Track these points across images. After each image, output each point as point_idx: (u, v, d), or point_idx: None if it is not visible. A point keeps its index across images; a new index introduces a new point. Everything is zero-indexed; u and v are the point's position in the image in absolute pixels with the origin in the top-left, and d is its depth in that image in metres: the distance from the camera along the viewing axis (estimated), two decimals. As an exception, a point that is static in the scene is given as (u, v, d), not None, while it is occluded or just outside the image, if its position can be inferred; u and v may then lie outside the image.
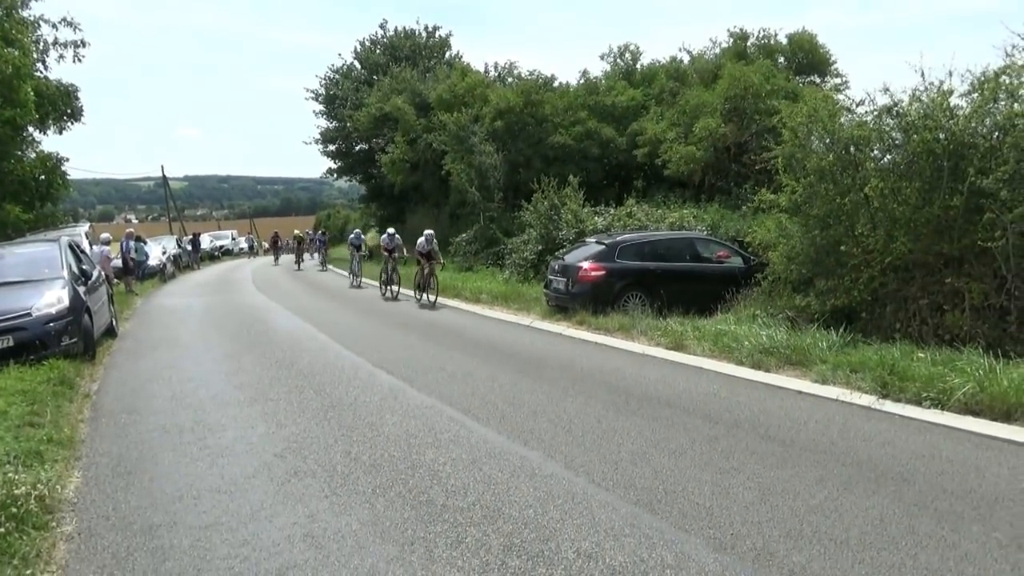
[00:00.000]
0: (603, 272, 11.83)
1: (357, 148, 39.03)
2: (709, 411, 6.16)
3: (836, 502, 4.10)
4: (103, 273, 12.67)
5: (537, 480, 4.60)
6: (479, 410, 6.38)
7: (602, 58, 29.88)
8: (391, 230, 19.87)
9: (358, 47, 40.07)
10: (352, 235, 24.32)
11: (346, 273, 23.36)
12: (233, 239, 50.71)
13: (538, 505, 4.19)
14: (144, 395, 7.46)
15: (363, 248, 23.58)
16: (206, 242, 42.61)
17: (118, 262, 19.95)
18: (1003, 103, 9.21)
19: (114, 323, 12.15)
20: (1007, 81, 9.11)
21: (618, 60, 29.15)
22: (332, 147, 39.89)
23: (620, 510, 4.08)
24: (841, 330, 8.59)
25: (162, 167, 49.75)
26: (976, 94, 9.45)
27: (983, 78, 9.35)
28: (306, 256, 35.30)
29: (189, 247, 34.57)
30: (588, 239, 13.89)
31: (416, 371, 8.16)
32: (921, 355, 7.03)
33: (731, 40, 26.40)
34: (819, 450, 5.05)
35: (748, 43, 26.19)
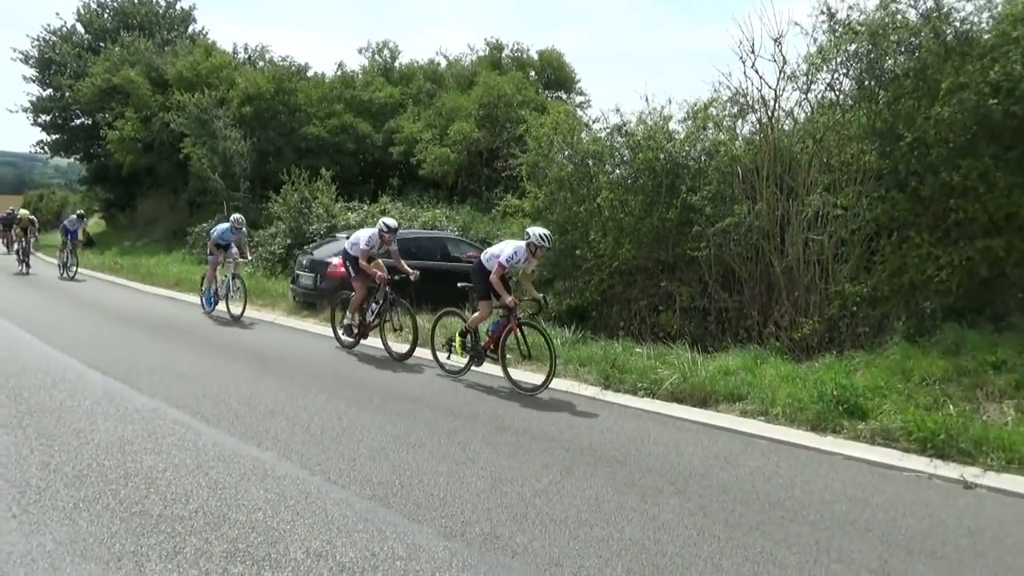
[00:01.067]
0: (353, 268, 11.61)
1: (78, 122, 34.39)
2: (449, 405, 6.31)
3: (559, 485, 4.41)
4: None
5: (269, 481, 4.37)
6: (210, 411, 5.93)
7: (360, 52, 29.73)
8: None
9: (81, 8, 35.33)
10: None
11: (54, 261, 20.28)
12: None
13: (268, 507, 3.98)
14: None
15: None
16: None
17: None
18: (711, 131, 10.59)
19: None
20: (713, 112, 10.49)
21: (376, 56, 28.98)
22: (46, 118, 34.70)
23: (355, 506, 4.02)
24: (574, 328, 9.28)
25: None
26: (689, 121, 10.78)
27: (695, 108, 10.69)
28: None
29: None
30: (339, 234, 13.59)
31: (139, 371, 7.37)
32: (639, 350, 7.83)
33: (487, 49, 27.47)
34: (548, 438, 5.40)
35: (503, 54, 27.42)
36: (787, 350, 8.36)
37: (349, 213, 17.46)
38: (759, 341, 8.77)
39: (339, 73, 27.80)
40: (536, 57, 27.63)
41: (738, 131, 10.56)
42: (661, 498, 4.25)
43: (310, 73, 27.33)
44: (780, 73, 9.64)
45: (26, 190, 70.12)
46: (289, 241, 16.98)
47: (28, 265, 19.93)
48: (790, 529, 3.88)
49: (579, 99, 28.19)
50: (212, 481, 4.36)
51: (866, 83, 8.89)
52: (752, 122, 10.33)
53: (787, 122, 10.15)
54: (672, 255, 10.17)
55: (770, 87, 9.71)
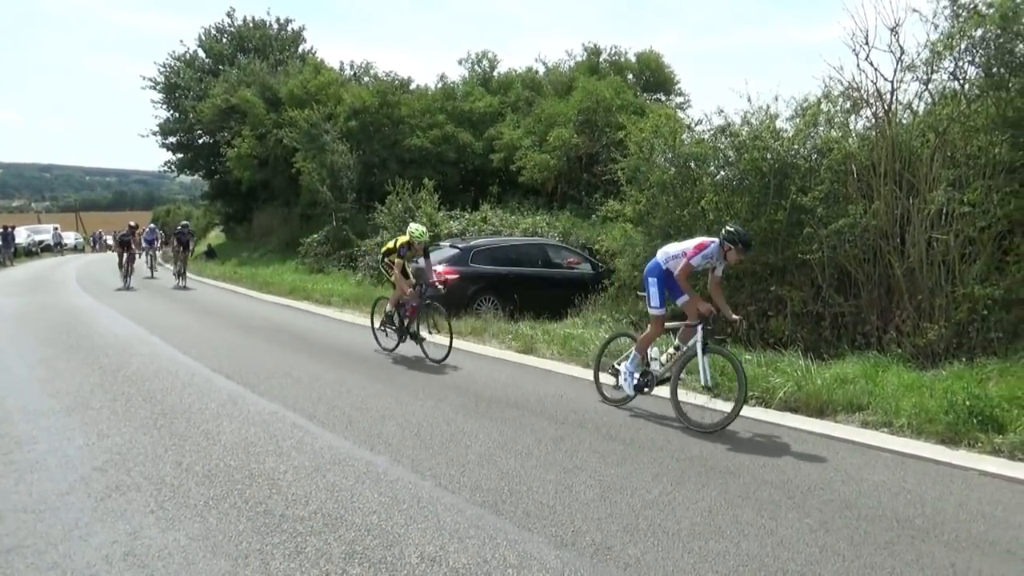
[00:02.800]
0: (457, 276, 11.82)
1: (200, 141, 36.81)
2: (556, 412, 6.30)
3: (670, 496, 4.31)
4: None
5: (382, 485, 4.50)
6: (325, 415, 6.17)
7: (460, 63, 30.13)
8: None
9: (202, 35, 37.87)
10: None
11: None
12: (56, 233, 45.91)
13: (383, 511, 4.09)
14: (-63, 405, 6.60)
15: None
16: (22, 236, 38.44)
17: None
18: (822, 128, 10.15)
19: (-97, 325, 10.68)
20: (824, 108, 10.05)
21: (476, 67, 29.46)
22: (172, 139, 37.33)
23: (466, 512, 4.08)
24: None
25: (-30, 152, 44.31)
26: (799, 119, 10.36)
27: (804, 105, 10.27)
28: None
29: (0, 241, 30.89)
30: (442, 243, 13.88)
31: (259, 376, 7.77)
32: (749, 357, 7.57)
33: (585, 54, 27.43)
34: (656, 447, 5.30)
35: (601, 58, 27.31)
36: (910, 357, 7.88)
37: (451, 221, 17.83)
38: (879, 348, 8.30)
39: (440, 85, 28.45)
40: (634, 60, 27.37)
41: (851, 127, 10.08)
42: (779, 512, 4.08)
43: (412, 86, 28.12)
44: (897, 64, 9.13)
45: (155, 206, 75.68)
46: (395, 250, 17.46)
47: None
48: (922, 549, 3.64)
49: (679, 100, 27.73)
50: (329, 484, 4.52)
51: (995, 70, 8.28)
52: (867, 117, 9.83)
53: (905, 115, 9.60)
54: (782, 258, 9.80)
55: (886, 79, 9.21)
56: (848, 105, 9.96)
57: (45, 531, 3.88)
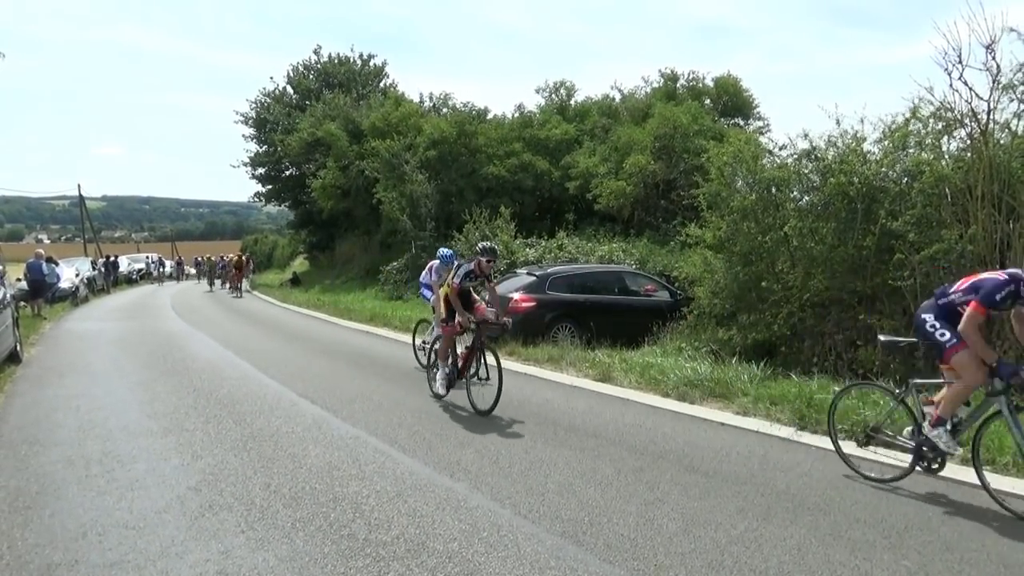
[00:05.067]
0: (534, 303, 11.89)
1: (287, 173, 38.42)
2: (635, 442, 6.21)
3: (756, 532, 4.18)
4: (7, 294, 11.94)
5: (462, 512, 4.53)
6: (405, 441, 6.27)
7: (537, 92, 30.48)
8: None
9: (290, 72, 39.67)
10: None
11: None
12: (151, 262, 48.53)
13: (463, 538, 4.12)
14: (48, 425, 7.04)
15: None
16: (124, 265, 40.81)
17: (24, 284, 18.91)
18: (912, 150, 9.78)
19: (18, 348, 11.47)
20: (916, 129, 9.69)
21: (553, 95, 29.76)
22: (261, 171, 39.12)
23: (546, 542, 4.06)
24: (762, 363, 8.85)
25: (78, 185, 47.23)
26: (887, 141, 10.02)
27: (893, 126, 9.93)
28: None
29: (103, 269, 32.98)
30: (519, 270, 13.97)
31: (342, 400, 7.97)
32: (836, 388, 7.28)
33: (662, 80, 27.33)
34: (740, 481, 5.15)
35: (678, 84, 27.15)
36: (1015, 390, 7.42)
37: (528, 249, 17.94)
38: (979, 380, 7.86)
39: (517, 114, 28.84)
40: (712, 84, 27.08)
41: (944, 149, 9.67)
42: (873, 553, 3.89)
43: (490, 116, 28.61)
44: (993, 83, 8.73)
45: (244, 235, 79.16)
46: (472, 278, 17.69)
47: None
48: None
49: (758, 124, 27.24)
50: (411, 509, 4.58)
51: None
52: (961, 138, 9.41)
53: (1003, 136, 9.15)
54: (870, 286, 9.43)
55: (981, 98, 8.81)
56: (940, 126, 9.57)
57: (144, 547, 4.07)
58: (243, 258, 33.00)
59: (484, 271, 7.67)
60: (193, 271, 48.02)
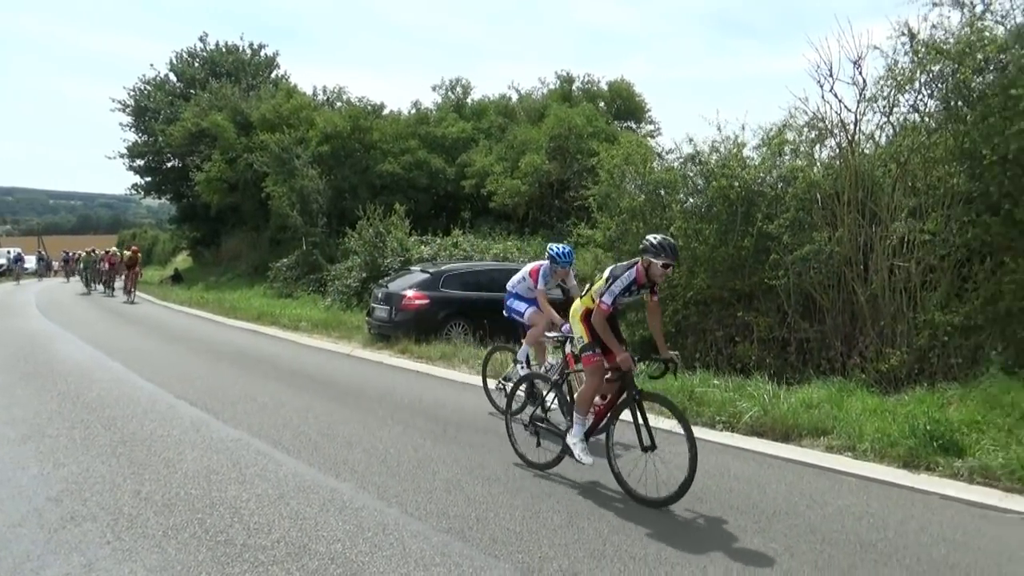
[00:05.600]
0: (427, 300, 11.81)
1: (169, 165, 36.50)
2: (524, 438, 6.25)
3: (636, 521, 4.30)
4: None
5: (347, 513, 4.43)
6: (290, 442, 6.07)
7: (434, 89, 30.35)
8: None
9: (174, 59, 37.68)
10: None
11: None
12: (9, 258, 44.26)
13: (347, 539, 4.02)
14: None
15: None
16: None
17: None
18: (787, 157, 10.37)
19: None
20: (790, 137, 10.28)
21: (450, 93, 29.68)
22: (140, 162, 36.96)
23: (432, 539, 4.02)
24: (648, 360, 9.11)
25: (-71, 173, 42.94)
26: (764, 148, 10.59)
27: (770, 134, 10.50)
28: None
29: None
30: (413, 267, 13.84)
31: (223, 402, 7.63)
32: (716, 382, 7.63)
33: (558, 82, 27.80)
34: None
35: (573, 86, 27.68)
36: (873, 382, 8.00)
37: (422, 246, 17.82)
38: (843, 373, 8.43)
39: (414, 110, 28.58)
40: (606, 88, 27.78)
41: (816, 156, 10.32)
42: (745, 537, 4.09)
43: (385, 112, 28.21)
44: (860, 96, 9.40)
45: (120, 229, 74.56)
46: (364, 275, 17.42)
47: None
48: (884, 573, 3.67)
49: (649, 128, 28.16)
50: (293, 511, 4.44)
51: (952, 103, 8.57)
52: (831, 147, 10.08)
53: (868, 146, 9.86)
54: (748, 284, 9.94)
55: (849, 110, 9.47)
56: (813, 135, 10.20)
57: (-5, 564, 3.75)
58: (137, 254, 25.12)
59: (655, 280, 4.92)
60: (58, 267, 43.66)
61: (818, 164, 10.13)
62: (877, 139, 9.88)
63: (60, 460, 5.53)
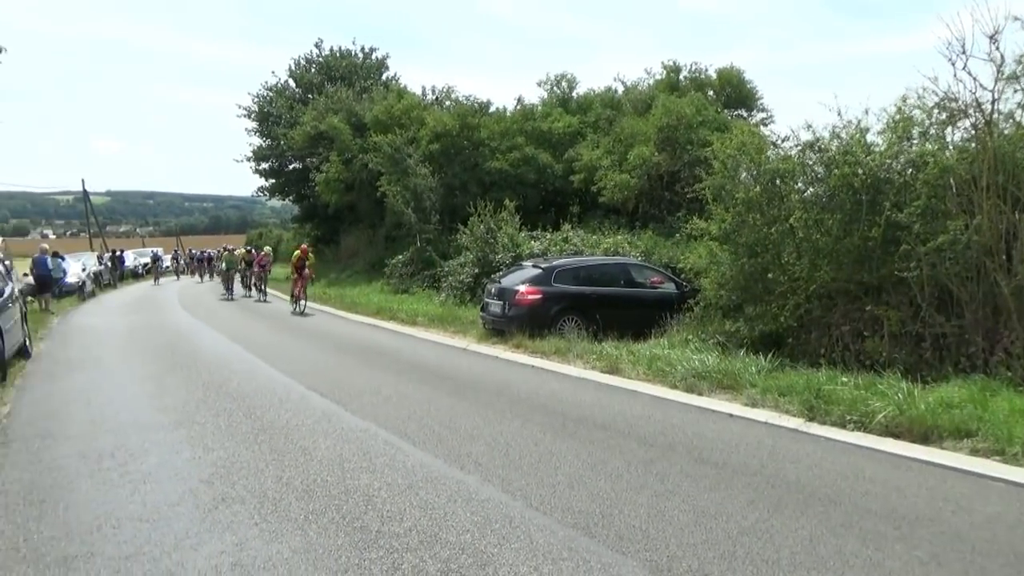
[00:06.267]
0: (540, 296, 11.90)
1: (291, 167, 38.42)
2: (644, 434, 6.23)
3: (767, 523, 4.20)
4: (15, 289, 11.98)
5: (474, 504, 4.56)
6: (415, 433, 6.29)
7: (539, 85, 30.36)
8: None
9: (292, 65, 39.62)
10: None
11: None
12: (157, 257, 47.99)
13: (476, 530, 4.14)
14: (60, 419, 7.09)
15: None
16: (130, 260, 40.78)
17: (31, 279, 18.96)
18: (916, 141, 9.75)
19: (27, 343, 11.53)
20: (920, 119, 9.65)
21: (555, 88, 29.63)
22: (265, 165, 39.14)
23: (558, 533, 4.08)
24: (769, 355, 8.85)
25: (82, 181, 47.22)
26: (890, 132, 9.99)
27: (898, 117, 9.89)
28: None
29: (109, 264, 32.90)
30: (525, 263, 13.98)
31: (350, 394, 8.01)
32: (844, 379, 7.30)
33: (664, 72, 27.19)
34: (750, 472, 5.16)
35: (680, 76, 27.01)
36: (1021, 381, 7.42)
37: (533, 242, 17.95)
38: (985, 371, 7.85)
39: (519, 107, 28.74)
40: (715, 76, 26.94)
41: (948, 139, 9.64)
42: (885, 544, 3.91)
43: (492, 109, 28.52)
44: (997, 73, 8.69)
45: (248, 229, 79.35)
46: (477, 270, 17.73)
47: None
48: (1045, 587, 3.42)
49: (761, 116, 27.11)
50: (422, 501, 4.61)
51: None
52: (965, 128, 9.38)
53: (1007, 126, 9.12)
54: (876, 276, 9.42)
55: (986, 88, 8.78)
56: (944, 117, 9.54)
57: (159, 539, 4.11)
58: (307, 253, 19.95)
59: None
60: (183, 267, 44.21)
61: (951, 148, 9.46)
62: (1018, 119, 9.12)
63: (209, 445, 5.98)
